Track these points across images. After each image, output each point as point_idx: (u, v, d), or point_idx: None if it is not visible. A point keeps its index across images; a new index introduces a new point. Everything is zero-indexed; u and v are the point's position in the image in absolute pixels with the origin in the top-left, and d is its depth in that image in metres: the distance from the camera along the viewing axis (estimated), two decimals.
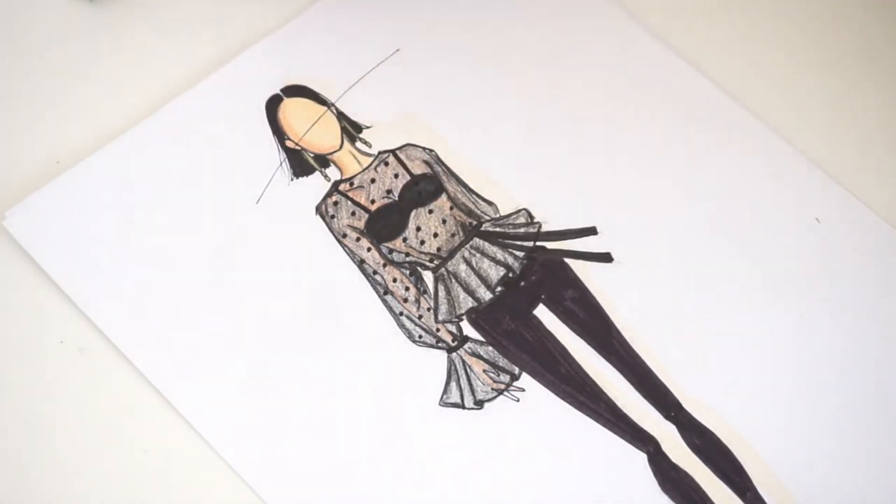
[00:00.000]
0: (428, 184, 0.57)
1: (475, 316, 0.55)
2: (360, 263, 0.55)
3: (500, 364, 0.54)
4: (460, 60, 0.60)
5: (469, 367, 0.53)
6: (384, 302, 0.54)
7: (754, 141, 0.59)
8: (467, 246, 0.56)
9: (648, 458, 0.52)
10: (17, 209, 0.54)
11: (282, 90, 0.59)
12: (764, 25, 0.63)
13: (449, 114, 0.59)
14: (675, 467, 0.52)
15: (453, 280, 0.55)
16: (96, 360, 0.52)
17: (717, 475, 0.52)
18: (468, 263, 0.55)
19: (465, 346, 0.54)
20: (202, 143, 0.57)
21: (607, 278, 0.55)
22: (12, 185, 0.56)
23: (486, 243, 0.56)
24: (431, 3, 0.62)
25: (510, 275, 0.55)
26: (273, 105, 0.58)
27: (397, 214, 0.56)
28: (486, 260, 0.56)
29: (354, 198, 0.57)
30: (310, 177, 0.57)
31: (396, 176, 0.57)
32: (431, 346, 0.54)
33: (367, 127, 0.59)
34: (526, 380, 0.53)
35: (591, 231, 0.57)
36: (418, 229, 0.56)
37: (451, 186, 0.57)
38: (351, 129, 0.58)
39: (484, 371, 0.53)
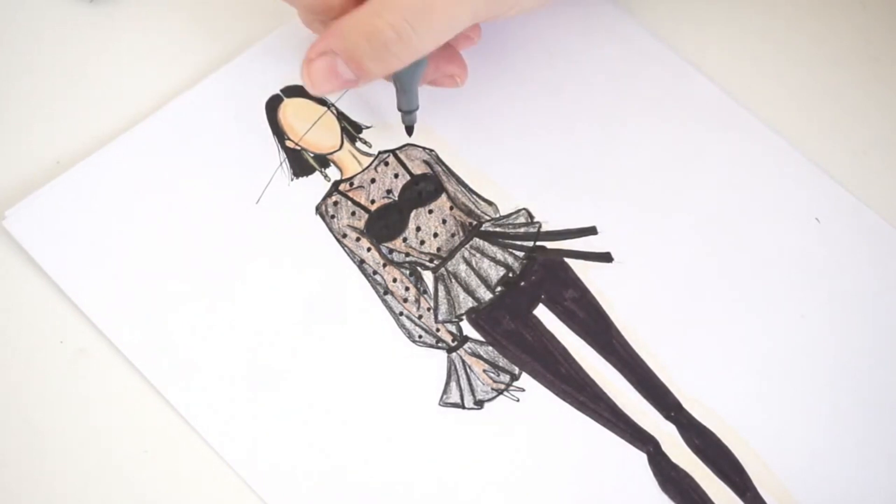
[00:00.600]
0: (428, 184, 0.57)
1: (475, 316, 0.55)
2: (360, 263, 0.55)
3: (500, 364, 0.54)
4: None
5: (469, 367, 0.53)
6: (384, 302, 0.54)
7: (754, 141, 0.59)
8: (467, 246, 0.56)
9: (648, 458, 0.52)
10: (17, 209, 0.54)
11: (282, 90, 0.59)
12: (764, 25, 0.63)
13: (449, 114, 0.59)
14: (675, 467, 0.52)
15: (453, 280, 0.55)
16: (96, 361, 0.52)
17: (717, 475, 0.52)
18: (468, 263, 0.55)
19: (465, 346, 0.54)
20: (202, 143, 0.57)
21: (607, 278, 0.55)
22: (12, 185, 0.56)
23: (486, 243, 0.56)
24: None
25: (510, 275, 0.55)
26: (273, 105, 0.58)
27: (397, 214, 0.56)
28: (486, 260, 0.56)
29: (354, 198, 0.57)
30: (310, 177, 0.57)
31: (396, 176, 0.57)
32: (431, 346, 0.54)
33: (367, 127, 0.58)
34: (526, 380, 0.53)
35: (591, 231, 0.57)
36: (418, 229, 0.56)
37: (451, 186, 0.57)
38: (351, 129, 0.58)
39: (484, 371, 0.53)
